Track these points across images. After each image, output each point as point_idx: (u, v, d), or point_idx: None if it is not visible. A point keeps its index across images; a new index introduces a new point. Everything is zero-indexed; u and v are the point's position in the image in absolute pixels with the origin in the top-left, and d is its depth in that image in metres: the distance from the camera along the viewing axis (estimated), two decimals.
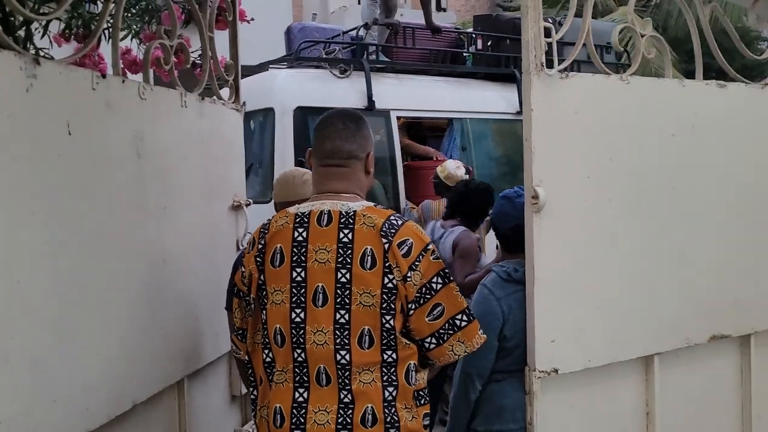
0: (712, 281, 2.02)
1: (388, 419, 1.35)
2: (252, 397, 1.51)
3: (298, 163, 3.58)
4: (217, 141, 2.05)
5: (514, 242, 1.81)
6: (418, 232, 1.43)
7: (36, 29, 1.87)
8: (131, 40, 2.18)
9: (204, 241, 1.96)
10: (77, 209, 1.39)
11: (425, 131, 5.02)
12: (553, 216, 1.69)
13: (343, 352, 1.36)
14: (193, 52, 2.05)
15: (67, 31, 2.09)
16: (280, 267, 1.41)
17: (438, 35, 4.80)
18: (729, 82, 2.09)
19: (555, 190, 1.69)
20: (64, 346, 1.34)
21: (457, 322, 1.41)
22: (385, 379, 1.36)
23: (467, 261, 3.01)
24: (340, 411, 1.35)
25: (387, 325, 1.36)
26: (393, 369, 1.37)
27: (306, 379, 1.38)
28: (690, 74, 2.12)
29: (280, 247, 1.42)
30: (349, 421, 1.34)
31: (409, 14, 6.72)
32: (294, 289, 1.39)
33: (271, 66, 4.34)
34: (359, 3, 7.12)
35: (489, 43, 4.92)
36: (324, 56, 4.34)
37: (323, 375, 1.37)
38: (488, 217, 2.91)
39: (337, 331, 1.36)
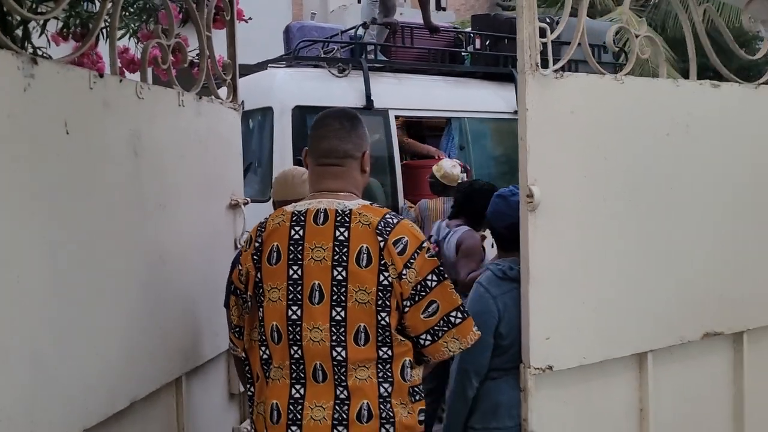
0: (706, 279, 2.03)
1: (383, 415, 1.37)
2: (249, 393, 1.52)
3: (297, 162, 3.59)
4: (214, 140, 2.07)
5: (509, 241, 1.82)
6: (413, 230, 1.44)
7: (34, 28, 1.88)
8: (129, 39, 2.19)
9: (202, 240, 1.97)
10: (75, 208, 1.40)
11: (424, 130, 5.03)
12: (548, 215, 1.71)
13: (339, 349, 1.37)
14: (190, 51, 2.06)
15: (65, 30, 2.10)
16: (276, 265, 1.43)
17: (436, 35, 4.81)
18: (723, 82, 2.10)
19: (550, 189, 1.71)
20: (63, 343, 1.35)
21: (452, 319, 1.43)
22: (380, 375, 1.38)
23: (471, 259, 3.05)
24: (336, 407, 1.36)
25: (382, 322, 1.38)
26: (388, 365, 1.39)
27: (302, 375, 1.39)
28: (688, 74, 2.13)
29: (277, 245, 1.44)
30: (345, 416, 1.36)
31: (408, 13, 6.73)
32: (290, 287, 1.40)
33: (269, 65, 4.35)
34: (359, 2, 7.14)
35: (487, 43, 4.93)
36: (322, 55, 4.35)
37: (319, 371, 1.38)
38: None
39: (333, 328, 1.38)
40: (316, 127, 1.53)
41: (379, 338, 1.38)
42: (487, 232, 3.57)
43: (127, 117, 1.59)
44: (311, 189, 1.52)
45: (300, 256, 1.41)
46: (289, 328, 1.40)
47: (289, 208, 1.49)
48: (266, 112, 3.98)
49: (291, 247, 1.42)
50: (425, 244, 1.44)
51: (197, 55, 2.08)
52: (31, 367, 1.26)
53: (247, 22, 2.31)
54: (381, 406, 1.37)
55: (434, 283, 1.41)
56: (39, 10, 1.85)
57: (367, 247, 1.38)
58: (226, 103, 2.20)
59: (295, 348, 1.39)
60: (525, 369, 1.72)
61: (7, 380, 1.20)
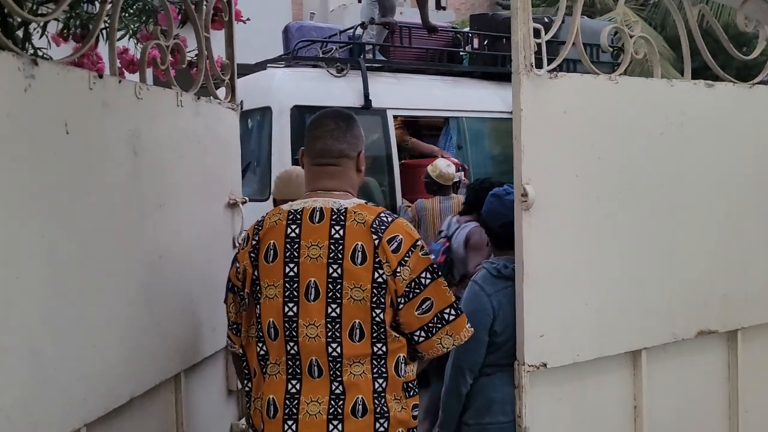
0: (700, 277, 2.05)
1: (377, 410, 1.39)
2: (246, 389, 1.55)
3: (295, 161, 3.61)
4: (213, 140, 2.08)
5: (503, 239, 1.85)
6: (407, 228, 1.47)
7: (34, 29, 1.90)
8: (129, 39, 2.21)
9: (200, 238, 1.99)
10: (75, 207, 1.42)
11: (422, 130, 5.05)
12: (542, 213, 1.73)
13: (334, 345, 1.40)
14: (189, 51, 2.08)
15: (65, 31, 2.12)
16: (273, 262, 1.45)
17: (434, 34, 4.82)
18: (717, 82, 2.12)
19: (544, 189, 1.73)
20: (62, 340, 1.37)
21: (446, 316, 1.45)
22: (375, 371, 1.40)
23: (478, 254, 3.10)
24: (332, 402, 1.38)
25: (377, 319, 1.40)
26: (383, 361, 1.41)
27: (298, 371, 1.42)
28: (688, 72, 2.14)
29: (274, 243, 1.46)
30: (340, 411, 1.38)
31: (408, 13, 6.74)
32: (287, 284, 1.43)
33: (268, 65, 4.37)
34: (359, 1, 7.14)
35: (485, 43, 4.95)
36: (321, 55, 4.37)
37: (315, 367, 1.41)
38: None
39: (328, 325, 1.40)
40: (312, 128, 1.55)
41: (374, 335, 1.40)
42: None
43: (127, 117, 1.61)
44: (307, 188, 1.54)
45: (296, 254, 1.43)
46: (286, 324, 1.42)
47: (285, 206, 1.51)
48: (265, 112, 4.00)
49: (287, 245, 1.44)
50: (419, 243, 1.46)
51: (196, 55, 2.10)
52: (30, 365, 1.28)
53: (245, 22, 2.33)
54: (375, 401, 1.39)
55: (428, 281, 1.43)
56: (39, 12, 1.87)
57: (362, 245, 1.40)
58: (224, 103, 2.22)
59: (292, 344, 1.42)
60: (519, 366, 1.74)
61: (6, 378, 1.21)
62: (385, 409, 1.39)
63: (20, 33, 1.81)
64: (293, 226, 1.45)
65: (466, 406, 1.83)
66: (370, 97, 4.09)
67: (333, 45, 4.46)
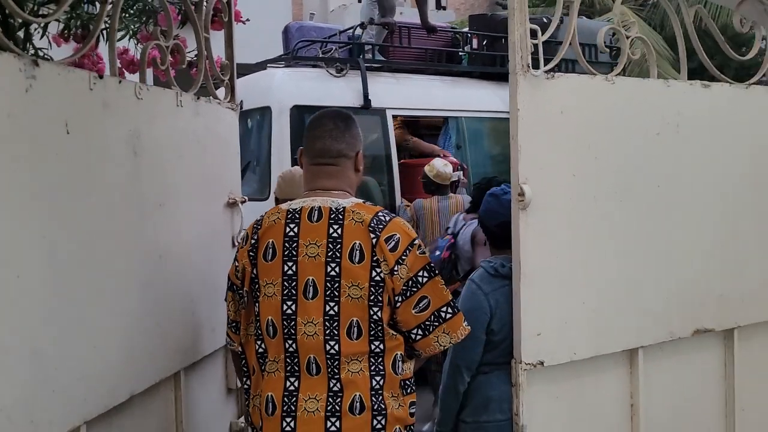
0: (696, 276, 2.07)
1: (375, 407, 1.40)
2: (245, 387, 1.56)
3: (294, 161, 3.62)
4: (212, 139, 2.10)
5: (501, 238, 1.86)
6: (405, 227, 1.48)
7: (35, 30, 1.91)
8: (129, 40, 2.22)
9: (200, 238, 2.00)
10: (75, 207, 1.43)
11: (421, 130, 5.07)
12: (539, 213, 1.74)
13: (332, 343, 1.41)
14: (189, 52, 2.09)
15: (65, 31, 2.13)
16: (272, 261, 1.46)
17: (433, 35, 4.84)
18: (714, 82, 2.13)
19: (541, 188, 1.74)
20: (62, 339, 1.38)
21: (443, 314, 1.47)
22: (372, 368, 1.42)
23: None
24: (330, 399, 1.40)
25: (374, 317, 1.41)
26: (380, 359, 1.42)
27: (297, 368, 1.43)
28: (688, 72, 2.15)
29: (272, 242, 1.47)
30: (338, 408, 1.39)
31: (408, 13, 6.75)
32: (285, 283, 1.44)
33: (268, 65, 4.38)
34: (359, 1, 7.16)
35: (484, 43, 4.96)
36: (321, 55, 4.38)
37: (313, 365, 1.42)
38: None
39: (326, 323, 1.41)
40: (311, 128, 1.57)
41: (372, 332, 1.42)
42: None
43: (127, 117, 1.62)
44: (306, 187, 1.56)
45: (295, 253, 1.45)
46: (284, 322, 1.43)
47: (284, 206, 1.53)
48: (265, 112, 4.02)
49: (286, 244, 1.46)
50: (416, 242, 1.47)
51: (196, 56, 2.11)
52: (31, 365, 1.29)
53: (244, 23, 2.34)
54: (373, 398, 1.40)
55: (425, 279, 1.45)
56: (40, 13, 1.88)
57: (359, 243, 1.42)
58: (224, 103, 2.23)
59: (290, 342, 1.43)
60: (516, 364, 1.75)
61: (7, 378, 1.22)
62: (383, 406, 1.41)
63: (21, 34, 1.82)
64: (292, 225, 1.47)
65: (464, 404, 1.84)
66: (369, 97, 4.10)
67: (332, 45, 4.47)
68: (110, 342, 1.54)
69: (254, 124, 4.13)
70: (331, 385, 1.41)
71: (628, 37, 1.95)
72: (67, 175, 1.40)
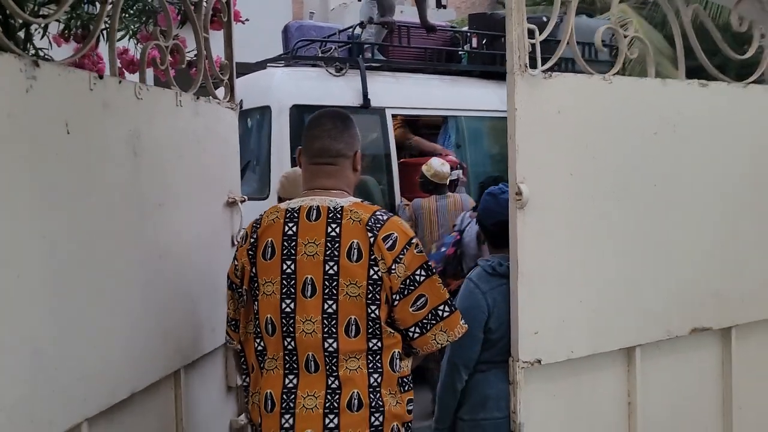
0: (694, 275, 2.07)
1: (373, 404, 1.41)
2: (245, 384, 1.57)
3: (294, 160, 3.63)
4: (212, 139, 2.11)
5: (498, 237, 1.87)
6: (402, 226, 1.49)
7: (36, 30, 1.92)
8: (129, 40, 2.23)
9: (200, 237, 2.01)
10: (76, 206, 1.44)
11: (421, 129, 5.08)
12: (537, 212, 1.75)
13: (330, 341, 1.42)
14: (189, 52, 2.10)
15: (66, 31, 2.14)
16: (271, 260, 1.47)
17: (433, 34, 4.84)
18: (712, 81, 2.14)
19: (538, 187, 1.75)
20: (63, 337, 1.39)
21: (440, 313, 1.48)
22: (370, 366, 1.43)
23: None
24: (328, 396, 1.41)
25: (372, 315, 1.43)
26: (378, 356, 1.44)
27: (295, 366, 1.44)
28: (687, 70, 2.16)
29: (271, 240, 1.48)
30: (336, 405, 1.40)
31: (409, 11, 6.75)
32: (284, 281, 1.45)
33: (268, 64, 4.39)
34: (359, 0, 7.15)
35: (484, 42, 4.96)
36: (320, 55, 4.39)
37: (312, 362, 1.43)
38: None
39: (325, 321, 1.42)
40: (309, 128, 1.58)
41: (369, 330, 1.43)
42: None
43: (127, 117, 1.63)
44: (305, 187, 1.57)
45: (293, 252, 1.46)
46: (283, 320, 1.45)
47: (283, 205, 1.54)
48: (264, 111, 4.03)
49: (285, 243, 1.47)
50: (414, 240, 1.48)
51: (195, 55, 2.12)
52: (32, 359, 1.30)
53: (244, 23, 2.35)
54: (371, 395, 1.41)
55: (423, 278, 1.46)
56: (41, 13, 1.89)
57: (357, 242, 1.43)
58: (223, 103, 2.24)
59: (289, 340, 1.44)
60: (514, 363, 1.76)
61: (7, 377, 1.23)
62: (380, 403, 1.42)
63: (22, 34, 1.83)
64: (290, 224, 1.48)
65: (462, 402, 1.85)
66: (368, 96, 4.11)
67: (332, 44, 4.48)
68: (110, 341, 1.55)
69: (254, 123, 4.14)
70: (330, 382, 1.42)
71: (625, 36, 1.96)
72: (67, 175, 1.41)
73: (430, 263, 1.49)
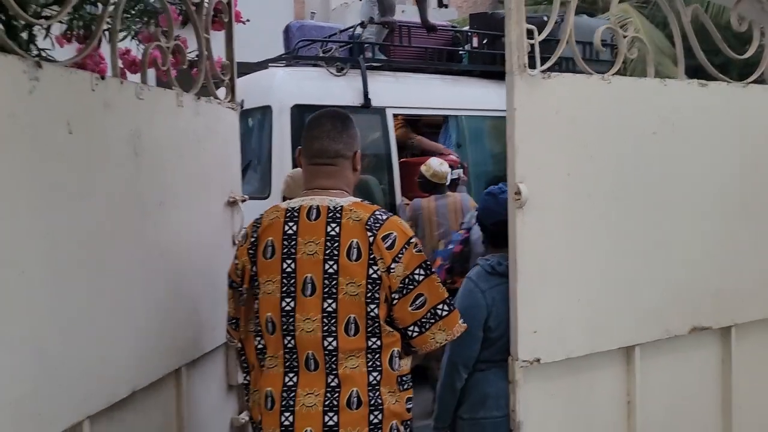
0: (693, 274, 2.08)
1: (372, 402, 1.43)
2: (245, 382, 1.59)
3: (295, 160, 3.63)
4: (213, 139, 2.12)
5: (498, 237, 1.88)
6: (401, 226, 1.50)
7: (38, 30, 1.93)
8: (131, 40, 2.24)
9: (200, 236, 2.02)
10: (78, 205, 1.45)
11: (422, 128, 5.09)
12: (536, 211, 1.75)
13: (330, 339, 1.43)
14: (190, 52, 2.11)
15: (68, 32, 2.15)
16: (271, 259, 1.49)
17: (433, 33, 4.85)
18: (711, 81, 2.14)
19: (537, 187, 1.75)
20: (65, 335, 1.41)
21: (439, 312, 1.49)
22: (369, 364, 1.44)
23: None
24: (327, 394, 1.42)
25: (372, 314, 1.44)
26: (377, 355, 1.45)
27: (295, 364, 1.45)
28: (689, 69, 2.17)
29: (272, 240, 1.50)
30: (335, 403, 1.42)
31: (410, 11, 6.76)
32: (284, 280, 1.46)
33: (269, 64, 4.40)
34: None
35: (484, 41, 4.97)
36: (321, 55, 4.40)
37: (311, 360, 1.44)
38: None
39: (324, 319, 1.43)
40: (309, 128, 1.59)
41: (369, 329, 1.44)
42: None
43: (128, 117, 1.64)
44: (305, 187, 1.58)
45: (293, 251, 1.47)
46: (283, 319, 1.46)
47: (283, 204, 1.55)
48: (265, 111, 4.04)
49: (285, 242, 1.48)
50: (413, 240, 1.49)
51: (196, 56, 2.13)
52: (35, 356, 1.32)
53: (245, 23, 2.36)
54: (370, 393, 1.43)
55: (421, 277, 1.47)
56: (43, 14, 1.90)
57: (357, 241, 1.44)
58: (224, 103, 2.25)
59: (289, 338, 1.45)
60: (513, 361, 1.77)
61: (12, 373, 1.25)
62: (380, 401, 1.43)
63: (25, 35, 1.84)
64: (291, 224, 1.49)
65: (461, 401, 1.86)
66: (369, 96, 4.12)
67: (333, 44, 4.49)
68: (112, 339, 1.57)
69: (255, 123, 4.15)
70: (329, 380, 1.43)
71: (625, 37, 1.96)
72: (69, 175, 1.43)
73: (429, 262, 1.50)
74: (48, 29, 1.94)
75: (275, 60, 4.49)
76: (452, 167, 4.15)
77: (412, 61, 4.73)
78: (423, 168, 3.84)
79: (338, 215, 1.47)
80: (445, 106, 4.65)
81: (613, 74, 1.93)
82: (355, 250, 1.44)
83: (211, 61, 2.17)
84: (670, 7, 2.10)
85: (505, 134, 1.78)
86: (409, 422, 1.51)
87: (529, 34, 1.76)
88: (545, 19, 1.82)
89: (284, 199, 1.95)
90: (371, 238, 1.44)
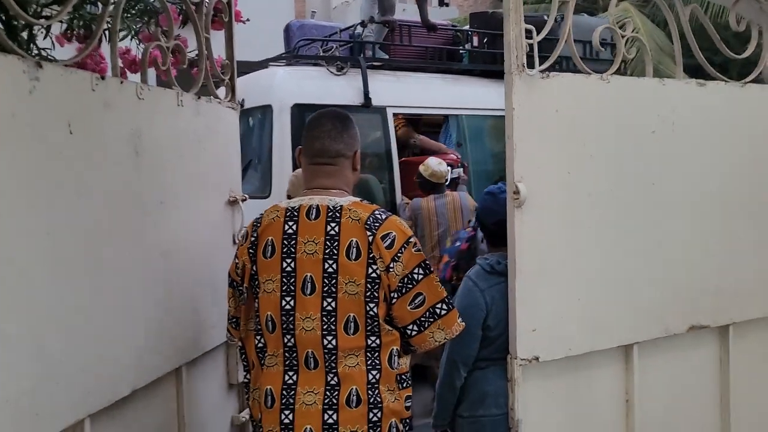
0: (691, 273, 2.08)
1: (371, 400, 1.43)
2: (245, 381, 1.59)
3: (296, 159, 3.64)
4: (213, 138, 2.12)
5: (497, 236, 1.88)
6: (401, 225, 1.51)
7: (38, 30, 1.94)
8: (131, 40, 2.25)
9: (201, 235, 2.03)
10: (78, 205, 1.46)
11: (422, 127, 5.09)
12: (534, 211, 1.76)
13: (329, 338, 1.44)
14: (190, 52, 2.11)
15: (68, 31, 2.16)
16: (271, 258, 1.49)
17: (434, 32, 4.85)
18: (709, 81, 2.15)
19: (536, 186, 1.76)
20: (66, 334, 1.41)
21: (437, 311, 1.49)
22: (369, 363, 1.45)
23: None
24: (327, 392, 1.43)
25: (371, 313, 1.44)
26: (377, 354, 1.46)
27: (295, 362, 1.46)
28: (689, 69, 2.17)
29: (272, 239, 1.50)
30: (335, 402, 1.42)
31: (411, 10, 6.76)
32: (284, 279, 1.47)
33: (270, 63, 4.41)
34: None
35: (485, 41, 4.97)
36: (321, 54, 4.41)
37: (311, 359, 1.45)
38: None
39: (324, 318, 1.44)
40: (309, 128, 1.60)
41: (368, 328, 1.45)
42: None
43: (128, 117, 1.65)
44: (305, 186, 1.59)
45: (293, 250, 1.48)
46: (283, 317, 1.47)
47: (283, 204, 1.56)
48: (266, 110, 4.04)
49: (285, 241, 1.49)
50: (412, 239, 1.50)
51: (196, 55, 2.14)
52: (35, 354, 1.33)
53: (244, 23, 2.37)
54: (369, 391, 1.43)
55: (420, 276, 1.48)
56: (43, 14, 1.91)
57: (356, 241, 1.45)
58: (224, 103, 2.26)
59: (289, 337, 1.46)
60: (512, 360, 1.78)
61: (12, 370, 1.26)
62: (379, 399, 1.44)
63: (25, 34, 1.85)
64: (290, 223, 1.50)
65: (461, 399, 1.87)
66: (369, 95, 4.12)
67: (333, 43, 4.49)
68: (112, 337, 1.58)
69: (255, 122, 4.15)
70: (329, 378, 1.44)
71: (623, 36, 1.97)
72: (69, 174, 1.43)
73: (428, 262, 1.51)
74: (48, 29, 1.95)
75: (276, 59, 4.49)
76: (453, 166, 4.15)
77: (412, 60, 4.73)
78: (421, 168, 3.85)
79: (338, 215, 1.48)
80: (445, 105, 4.65)
81: (612, 74, 1.93)
82: (355, 249, 1.44)
83: (211, 61, 2.17)
84: (668, 7, 2.10)
85: (504, 133, 1.78)
86: (408, 420, 1.52)
87: (528, 34, 1.76)
88: (545, 18, 1.82)
89: (289, 197, 1.96)
90: (370, 238, 1.45)
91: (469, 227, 3.46)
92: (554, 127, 1.82)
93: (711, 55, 2.12)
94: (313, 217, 1.49)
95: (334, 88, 4.10)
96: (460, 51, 5.00)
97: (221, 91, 2.30)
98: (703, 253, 2.10)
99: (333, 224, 1.47)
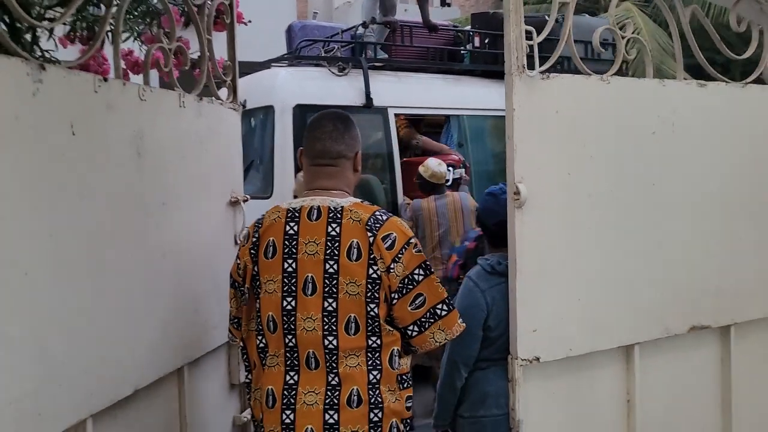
0: (692, 273, 2.08)
1: (372, 400, 1.44)
2: (247, 381, 1.60)
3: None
4: (215, 139, 2.13)
5: (498, 237, 1.89)
6: (401, 226, 1.51)
7: (42, 31, 1.95)
8: (133, 41, 2.26)
9: (203, 236, 2.04)
10: (81, 206, 1.47)
11: (423, 128, 5.10)
12: (535, 211, 1.77)
13: (330, 338, 1.45)
14: (192, 53, 2.13)
15: (71, 33, 2.17)
16: (272, 258, 1.50)
17: (435, 33, 4.85)
18: (710, 81, 2.15)
19: (536, 187, 1.76)
20: (68, 334, 1.42)
21: (438, 311, 1.50)
22: (369, 363, 1.45)
23: None
24: (328, 393, 1.44)
25: (371, 313, 1.45)
26: (377, 354, 1.46)
27: (296, 363, 1.47)
28: (691, 68, 2.17)
29: (273, 240, 1.51)
30: (336, 402, 1.43)
31: (413, 10, 6.76)
32: (285, 279, 1.48)
33: (272, 64, 4.42)
34: None
35: (486, 41, 4.97)
36: (323, 54, 4.42)
37: (312, 359, 1.46)
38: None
39: (325, 318, 1.45)
40: (311, 129, 1.61)
41: (369, 328, 1.45)
42: None
43: (130, 118, 1.66)
44: (306, 187, 1.60)
45: (294, 251, 1.48)
46: (284, 318, 1.47)
47: (284, 205, 1.56)
48: (268, 111, 4.05)
49: (286, 242, 1.49)
50: (413, 240, 1.50)
51: (198, 57, 2.15)
52: (38, 355, 1.33)
53: (246, 24, 2.38)
54: (370, 392, 1.44)
55: (421, 277, 1.48)
56: (46, 16, 1.92)
57: (357, 242, 1.46)
58: (226, 104, 2.27)
59: (290, 337, 1.47)
60: (513, 360, 1.78)
61: (15, 372, 1.27)
62: (380, 399, 1.45)
63: (28, 36, 1.86)
64: (292, 224, 1.51)
65: (462, 400, 1.87)
66: (371, 96, 4.13)
67: (335, 44, 4.50)
68: (116, 338, 1.58)
69: (257, 122, 4.16)
70: (330, 379, 1.44)
71: (623, 37, 1.97)
72: (72, 176, 1.44)
73: (428, 262, 1.52)
74: (51, 31, 1.96)
75: (277, 60, 4.50)
76: (455, 167, 4.15)
77: (413, 60, 4.73)
78: (421, 169, 3.86)
79: (339, 216, 1.48)
80: (446, 105, 4.66)
81: (613, 74, 1.94)
82: (356, 250, 1.45)
83: (213, 62, 2.18)
84: (669, 8, 2.10)
85: (505, 134, 1.78)
86: (408, 420, 1.53)
87: (528, 35, 1.77)
88: (546, 18, 1.83)
89: (295, 197, 1.97)
90: (371, 239, 1.46)
91: (477, 227, 3.46)
92: (554, 128, 1.82)
93: (713, 54, 2.12)
94: (315, 218, 1.50)
95: (335, 89, 4.11)
96: (462, 51, 5.01)
97: (223, 92, 2.31)
98: (703, 254, 2.10)
99: (334, 225, 1.48)
